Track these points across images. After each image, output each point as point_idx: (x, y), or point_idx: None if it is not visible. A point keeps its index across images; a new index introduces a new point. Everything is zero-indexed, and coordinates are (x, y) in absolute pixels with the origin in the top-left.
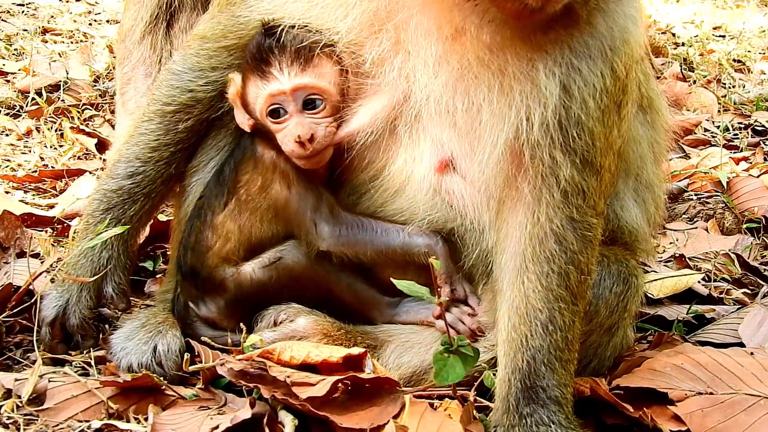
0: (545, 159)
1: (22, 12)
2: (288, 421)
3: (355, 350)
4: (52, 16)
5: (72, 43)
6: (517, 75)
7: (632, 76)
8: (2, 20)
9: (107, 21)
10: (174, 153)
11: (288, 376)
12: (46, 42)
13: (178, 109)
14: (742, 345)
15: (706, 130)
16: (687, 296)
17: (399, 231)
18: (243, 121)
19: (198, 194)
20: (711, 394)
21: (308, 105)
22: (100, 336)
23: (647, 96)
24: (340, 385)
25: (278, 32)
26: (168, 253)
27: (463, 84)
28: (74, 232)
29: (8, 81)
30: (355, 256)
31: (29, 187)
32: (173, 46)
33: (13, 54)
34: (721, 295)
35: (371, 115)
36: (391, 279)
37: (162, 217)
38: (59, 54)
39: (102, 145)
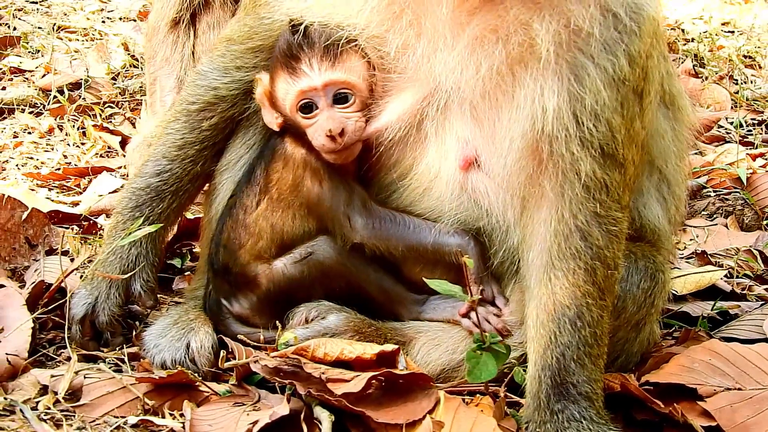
0: (564, 154)
1: (36, 10)
2: (325, 417)
3: (388, 347)
4: (65, 14)
5: (86, 40)
6: (529, 63)
7: (653, 62)
8: (17, 18)
9: (120, 18)
10: (200, 151)
11: (323, 373)
12: (61, 39)
13: (202, 107)
14: (766, 341)
15: (720, 126)
16: (710, 292)
17: (430, 228)
18: (271, 120)
19: (228, 192)
20: (739, 389)
21: (338, 100)
22: (133, 333)
23: (669, 93)
24: (374, 381)
25: (305, 30)
26: (195, 250)
27: (481, 75)
28: (102, 229)
29: (27, 79)
30: (386, 250)
31: (53, 184)
32: (197, 43)
33: (29, 52)
34: (743, 292)
35: (398, 111)
36: (423, 278)
37: (188, 215)
38: (74, 52)
39: (125, 143)
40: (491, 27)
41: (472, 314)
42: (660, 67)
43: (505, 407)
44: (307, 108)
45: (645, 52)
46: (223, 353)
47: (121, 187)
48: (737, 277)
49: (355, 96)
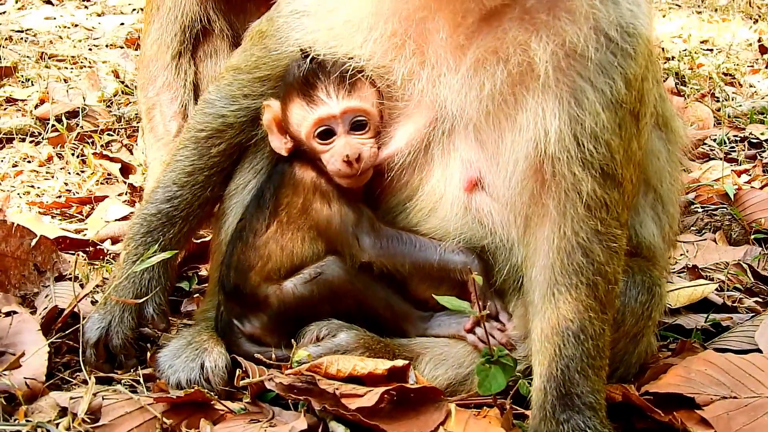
0: (566, 174)
1: (22, 39)
2: (341, 431)
3: (399, 362)
4: (51, 42)
5: (75, 68)
6: (530, 86)
7: (648, 85)
8: (4, 47)
9: (107, 46)
10: (209, 177)
11: (336, 389)
12: (49, 68)
13: (210, 134)
14: (759, 351)
15: (704, 143)
16: (702, 305)
17: (436, 247)
18: (279, 145)
19: (237, 216)
20: (735, 398)
21: (355, 127)
22: (147, 354)
23: (662, 115)
24: (386, 395)
25: (318, 60)
26: (200, 273)
27: (485, 95)
28: (108, 254)
29: (20, 108)
30: (394, 269)
31: (55, 212)
32: (198, 70)
33: (20, 81)
34: (734, 304)
35: (407, 137)
36: (433, 295)
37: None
38: (64, 80)
39: (126, 170)
40: (491, 48)
41: (478, 329)
42: (654, 90)
43: (512, 418)
44: (325, 134)
45: (640, 74)
46: (239, 372)
47: (129, 215)
48: (728, 290)
49: (370, 123)
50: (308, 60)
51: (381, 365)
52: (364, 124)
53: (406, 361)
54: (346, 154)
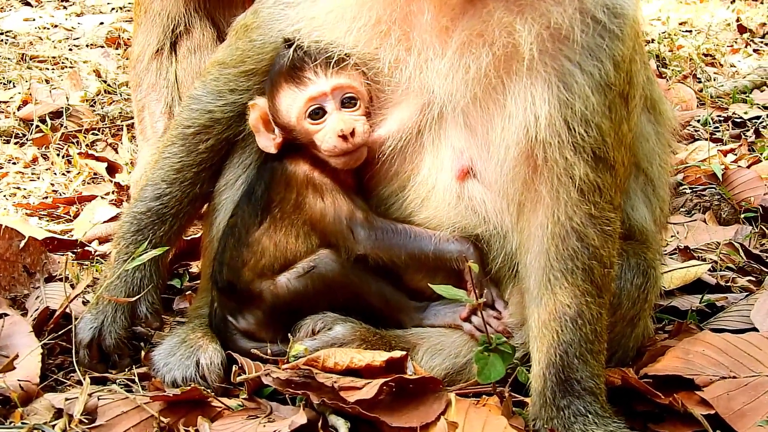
0: (558, 159)
1: (2, 41)
2: (341, 424)
3: (397, 353)
4: (31, 43)
5: (56, 69)
6: (518, 70)
7: (636, 67)
8: None
9: (87, 45)
10: (198, 173)
11: (335, 382)
12: (31, 69)
13: (198, 130)
14: (755, 330)
15: (689, 124)
16: (696, 286)
17: (431, 237)
18: (268, 144)
19: (228, 212)
20: (734, 377)
21: (346, 103)
22: (141, 353)
23: (651, 98)
24: (385, 387)
25: (302, 48)
26: (191, 270)
27: (471, 77)
28: (96, 255)
29: (2, 111)
30: (389, 260)
31: (42, 213)
32: (179, 68)
33: (2, 83)
34: (727, 284)
35: (397, 124)
36: (429, 285)
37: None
38: (46, 81)
39: (112, 169)
40: (477, 31)
41: (474, 318)
42: (641, 72)
43: (512, 406)
44: (316, 113)
45: (629, 56)
46: (235, 368)
47: (117, 216)
48: (720, 269)
49: (360, 100)
50: (292, 48)
51: (378, 357)
52: (355, 101)
53: (404, 352)
54: (340, 129)
